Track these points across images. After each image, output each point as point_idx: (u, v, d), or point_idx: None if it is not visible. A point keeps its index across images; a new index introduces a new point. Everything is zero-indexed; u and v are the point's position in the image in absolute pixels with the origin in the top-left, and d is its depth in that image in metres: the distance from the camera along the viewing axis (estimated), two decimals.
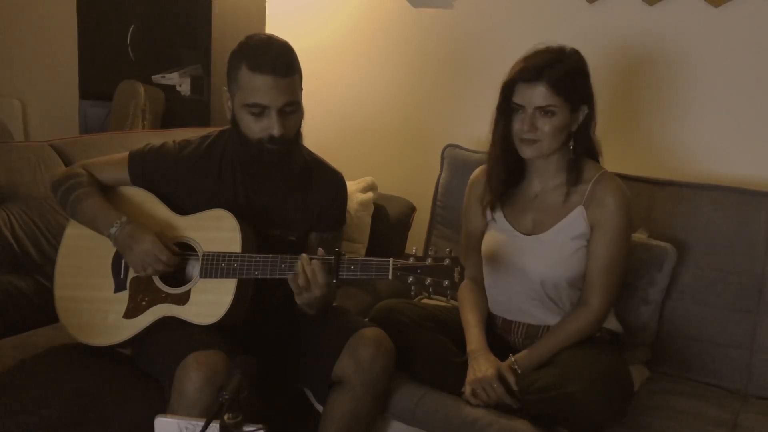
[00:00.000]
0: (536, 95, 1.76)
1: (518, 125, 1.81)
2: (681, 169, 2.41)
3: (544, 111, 1.77)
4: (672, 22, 2.39)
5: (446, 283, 1.62)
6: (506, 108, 1.83)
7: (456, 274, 1.62)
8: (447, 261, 1.62)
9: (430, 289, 1.63)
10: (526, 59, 1.79)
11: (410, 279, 1.62)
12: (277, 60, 1.71)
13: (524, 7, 2.65)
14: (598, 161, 1.92)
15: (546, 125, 1.78)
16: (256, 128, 1.74)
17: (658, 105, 2.46)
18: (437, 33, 2.85)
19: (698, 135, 2.41)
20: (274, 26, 3.13)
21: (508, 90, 1.81)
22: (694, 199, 2.14)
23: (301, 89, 1.79)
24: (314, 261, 1.67)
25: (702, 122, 2.40)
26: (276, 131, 1.72)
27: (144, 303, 1.79)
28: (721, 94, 2.36)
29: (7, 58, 4.02)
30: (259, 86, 1.70)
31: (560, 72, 1.75)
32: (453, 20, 2.81)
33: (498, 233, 1.94)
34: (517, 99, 1.79)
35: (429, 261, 1.63)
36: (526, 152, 1.83)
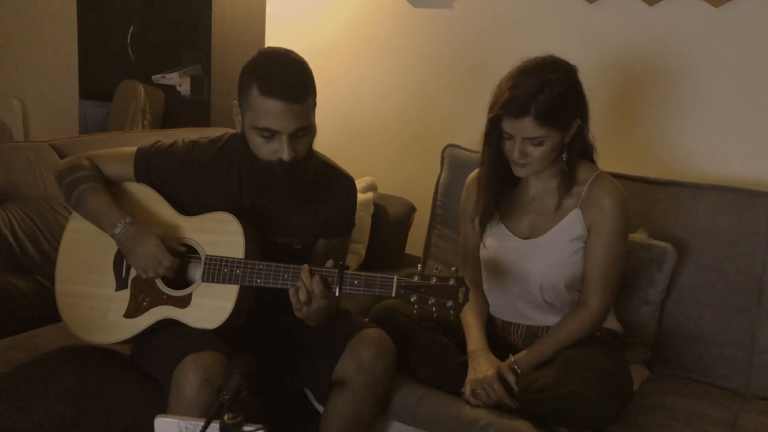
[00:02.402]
0: (524, 128, 1.74)
1: (509, 149, 1.80)
2: (681, 169, 2.41)
3: (533, 142, 1.75)
4: (672, 22, 2.39)
5: (450, 303, 1.61)
6: (495, 134, 1.81)
7: (460, 295, 1.60)
8: (452, 281, 1.61)
9: (434, 309, 1.61)
10: (512, 87, 1.73)
11: (413, 298, 1.62)
12: (290, 84, 1.64)
13: (524, 7, 2.65)
14: (593, 160, 1.91)
15: (536, 152, 1.77)
16: (265, 150, 1.70)
17: (658, 105, 2.46)
18: (437, 33, 2.85)
19: (698, 135, 2.41)
20: (274, 26, 3.13)
21: (494, 122, 1.79)
22: (694, 199, 2.14)
23: (314, 107, 1.73)
24: (314, 276, 1.65)
25: (702, 122, 2.40)
26: (286, 156, 1.67)
27: (145, 303, 1.79)
28: (721, 94, 2.36)
29: (7, 58, 4.02)
30: (270, 111, 1.64)
31: (546, 102, 1.71)
32: (453, 20, 2.81)
33: (496, 239, 1.93)
34: (506, 128, 1.77)
35: (434, 280, 1.62)
36: (519, 173, 1.84)
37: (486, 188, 1.90)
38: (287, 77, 1.65)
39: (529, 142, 1.76)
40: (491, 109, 1.78)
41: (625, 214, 1.85)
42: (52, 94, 3.88)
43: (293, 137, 1.68)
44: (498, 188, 1.90)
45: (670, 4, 2.39)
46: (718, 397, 1.96)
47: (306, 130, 1.70)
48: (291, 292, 1.67)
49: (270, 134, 1.67)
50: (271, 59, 1.70)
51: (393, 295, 1.62)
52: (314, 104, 1.74)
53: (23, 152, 2.20)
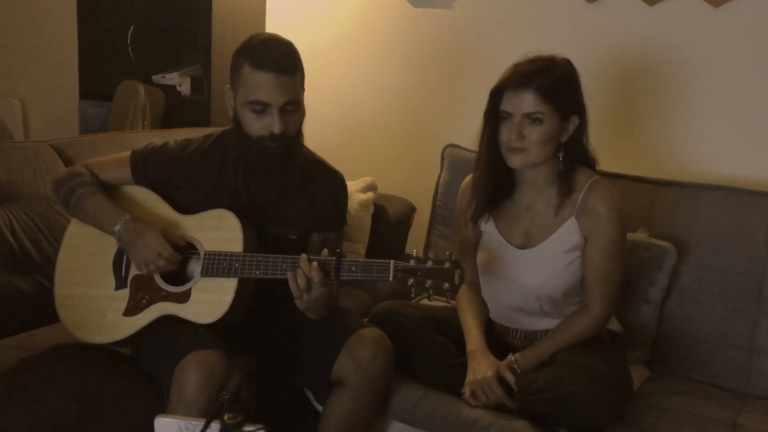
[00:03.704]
0: (524, 102, 1.73)
1: (505, 134, 1.77)
2: (681, 169, 2.41)
3: (532, 118, 1.73)
4: (672, 22, 2.39)
5: (446, 285, 1.63)
6: (494, 115, 1.80)
7: (456, 277, 1.62)
8: (447, 264, 1.63)
9: (431, 291, 1.64)
10: (516, 66, 1.76)
11: (410, 281, 1.63)
12: (280, 58, 1.72)
13: (524, 7, 2.65)
14: (593, 168, 1.89)
15: (533, 134, 1.74)
16: (257, 126, 1.74)
17: (658, 105, 2.46)
18: (437, 33, 2.85)
19: (698, 135, 2.41)
20: (274, 26, 3.13)
21: (496, 97, 1.78)
22: (694, 199, 2.14)
23: (303, 89, 1.80)
24: (313, 262, 1.67)
25: (702, 122, 2.40)
26: (277, 129, 1.72)
27: (144, 301, 1.79)
28: (721, 94, 2.36)
29: (7, 58, 4.02)
30: (261, 84, 1.70)
31: (549, 79, 1.72)
32: (453, 21, 2.81)
33: (491, 246, 1.92)
34: (505, 106, 1.76)
35: (430, 263, 1.63)
36: (514, 162, 1.79)
37: (482, 179, 1.87)
38: (277, 52, 1.74)
39: (527, 120, 1.74)
40: (494, 88, 1.79)
41: (621, 221, 1.82)
42: (52, 94, 3.88)
43: (283, 111, 1.73)
44: (495, 176, 1.86)
45: (670, 4, 2.39)
46: (718, 397, 1.96)
47: (295, 105, 1.75)
48: (290, 276, 1.68)
49: (261, 108, 1.72)
50: (260, 39, 1.78)
51: (390, 278, 1.64)
52: (303, 84, 1.80)
53: (23, 152, 2.20)
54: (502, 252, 1.90)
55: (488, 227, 1.94)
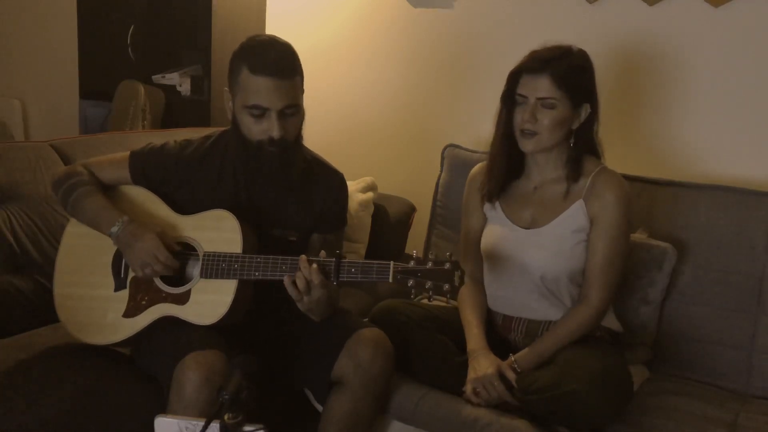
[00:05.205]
0: (539, 86, 1.78)
1: (519, 117, 1.83)
2: (681, 169, 2.41)
3: (545, 103, 1.79)
4: (672, 22, 2.40)
5: (446, 287, 1.62)
6: (510, 98, 1.85)
7: (456, 278, 1.62)
8: (447, 265, 1.63)
9: (431, 292, 1.63)
10: (534, 52, 1.82)
11: (410, 282, 1.63)
12: (279, 62, 1.71)
13: (524, 7, 2.65)
14: (599, 158, 1.92)
15: (546, 118, 1.79)
16: (255, 130, 1.74)
17: (658, 105, 2.46)
18: (437, 33, 2.85)
19: (698, 135, 2.41)
20: (274, 26, 3.13)
21: (513, 80, 1.84)
22: (694, 199, 2.14)
23: (302, 91, 1.79)
24: (312, 264, 1.67)
25: (702, 122, 2.40)
26: (276, 134, 1.71)
27: (144, 302, 1.79)
28: (720, 94, 2.36)
29: (7, 58, 4.02)
30: (259, 88, 1.69)
31: (565, 66, 1.78)
32: (453, 21, 2.81)
33: (497, 228, 1.95)
34: (521, 90, 1.82)
35: (429, 264, 1.63)
36: (527, 146, 1.84)
37: (497, 157, 1.92)
38: (275, 56, 1.72)
39: (541, 104, 1.79)
40: (512, 71, 1.84)
41: (627, 209, 1.85)
42: (52, 94, 3.88)
43: (282, 115, 1.72)
44: (508, 161, 1.91)
45: (670, 5, 2.39)
46: (718, 397, 1.96)
47: (294, 108, 1.74)
48: (287, 281, 1.68)
49: (260, 112, 1.71)
50: (259, 42, 1.77)
51: (390, 280, 1.64)
52: (302, 86, 1.78)
53: (23, 152, 2.20)
54: (507, 232, 1.92)
55: (494, 212, 1.97)
